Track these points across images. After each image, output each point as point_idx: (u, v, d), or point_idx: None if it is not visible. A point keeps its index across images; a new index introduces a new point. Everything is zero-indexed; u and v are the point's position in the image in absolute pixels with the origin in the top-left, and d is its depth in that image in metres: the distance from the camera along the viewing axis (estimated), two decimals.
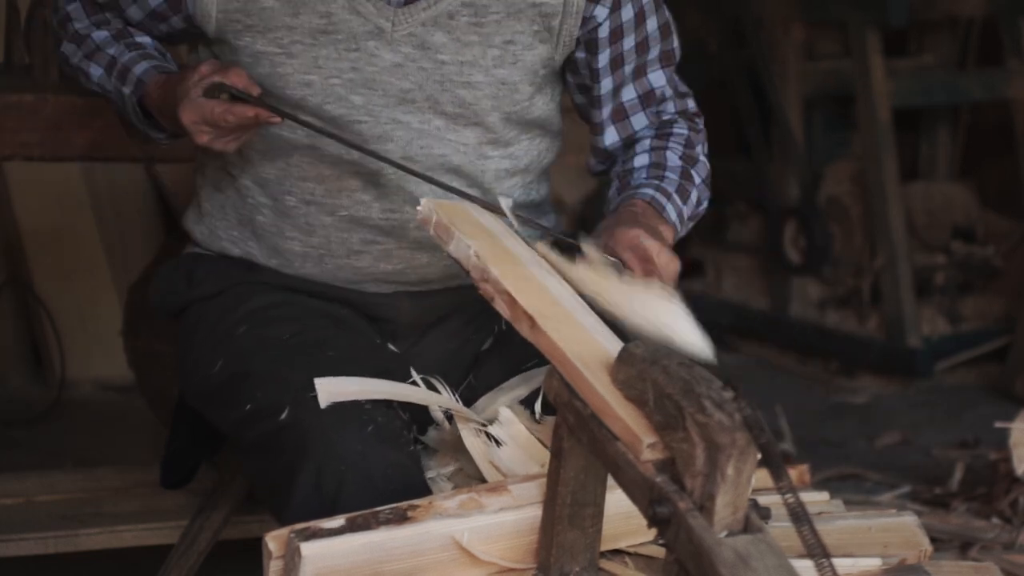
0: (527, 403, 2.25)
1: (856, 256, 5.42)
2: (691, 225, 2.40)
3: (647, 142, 2.41)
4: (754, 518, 1.67)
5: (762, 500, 1.88)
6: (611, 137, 2.43)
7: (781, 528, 1.82)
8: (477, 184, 2.35)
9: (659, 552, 1.95)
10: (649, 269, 2.13)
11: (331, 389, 2.16)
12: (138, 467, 3.17)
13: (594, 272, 1.98)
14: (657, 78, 2.41)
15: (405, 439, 2.20)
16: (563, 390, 1.85)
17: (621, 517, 1.94)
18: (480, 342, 2.43)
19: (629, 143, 2.43)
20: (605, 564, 1.96)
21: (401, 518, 1.89)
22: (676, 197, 2.33)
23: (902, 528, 2.09)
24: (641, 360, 1.76)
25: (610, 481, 1.83)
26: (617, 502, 1.87)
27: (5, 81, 3.06)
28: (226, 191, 2.44)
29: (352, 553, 1.85)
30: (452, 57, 2.27)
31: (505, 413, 2.18)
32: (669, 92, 2.43)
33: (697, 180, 2.39)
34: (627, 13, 2.35)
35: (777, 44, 5.44)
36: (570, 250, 2.09)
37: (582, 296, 1.98)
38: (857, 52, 5.19)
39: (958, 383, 5.16)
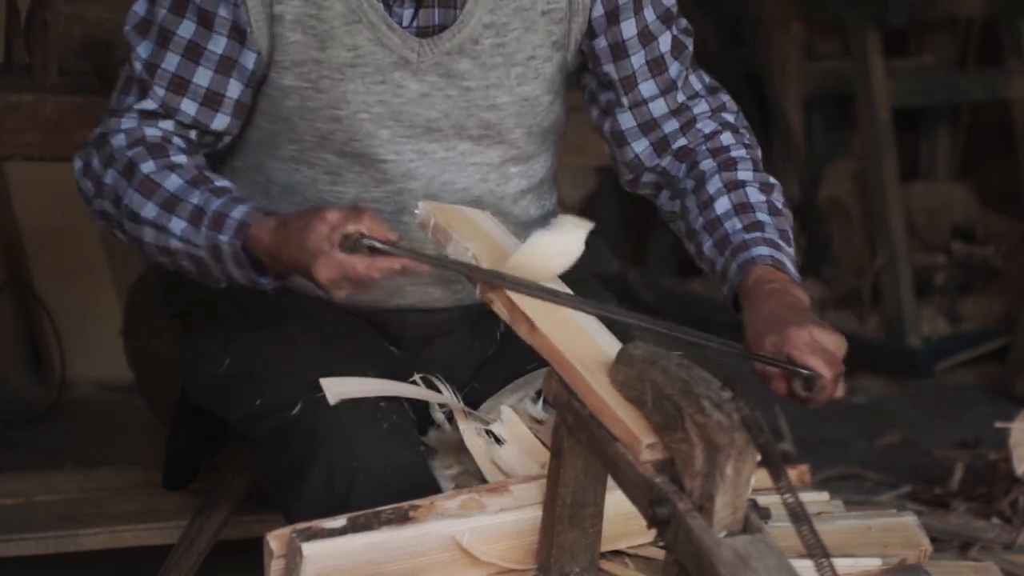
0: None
1: (856, 256, 5.41)
2: None
3: (716, 178, 2.27)
4: (754, 518, 1.67)
5: (762, 500, 1.87)
6: (641, 145, 2.34)
7: (781, 528, 1.82)
8: (497, 209, 2.32)
9: (659, 553, 1.95)
10: (838, 372, 2.05)
11: (338, 389, 2.15)
12: (138, 467, 3.16)
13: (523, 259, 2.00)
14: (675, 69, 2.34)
15: (416, 439, 2.20)
16: (562, 391, 1.85)
17: (621, 518, 1.94)
18: (484, 350, 2.42)
19: (663, 147, 2.34)
20: (605, 565, 1.96)
21: (403, 518, 1.90)
22: (783, 244, 2.21)
23: (902, 528, 2.09)
24: (640, 361, 1.76)
25: (610, 482, 1.83)
26: (617, 503, 1.87)
27: (5, 81, 3.05)
28: None
29: (353, 553, 1.86)
30: (477, 83, 2.25)
31: (507, 412, 2.18)
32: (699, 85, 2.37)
33: (785, 212, 2.27)
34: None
35: (776, 43, 5.43)
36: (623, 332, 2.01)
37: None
38: (857, 52, 5.18)
39: (958, 383, 5.15)
